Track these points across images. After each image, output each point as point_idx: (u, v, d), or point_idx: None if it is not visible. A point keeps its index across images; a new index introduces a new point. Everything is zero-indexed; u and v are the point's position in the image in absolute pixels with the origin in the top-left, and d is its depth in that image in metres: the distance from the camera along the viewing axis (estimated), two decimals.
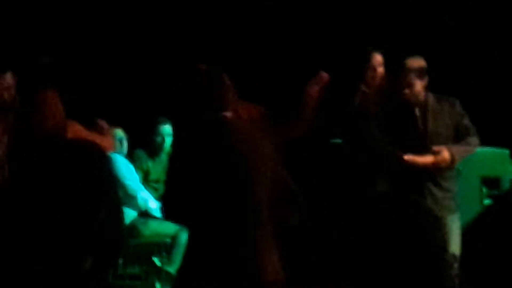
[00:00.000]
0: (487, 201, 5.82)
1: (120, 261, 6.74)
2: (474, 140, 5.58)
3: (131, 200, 6.95)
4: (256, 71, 9.31)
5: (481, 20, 9.06)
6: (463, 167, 5.61)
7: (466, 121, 5.62)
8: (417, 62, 5.70)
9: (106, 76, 9.43)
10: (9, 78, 5.39)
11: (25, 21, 9.33)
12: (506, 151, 6.03)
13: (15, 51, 9.03)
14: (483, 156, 5.85)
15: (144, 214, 7.19)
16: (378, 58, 6.05)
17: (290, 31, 9.42)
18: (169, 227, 6.93)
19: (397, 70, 5.61)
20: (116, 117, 7.44)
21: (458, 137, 5.56)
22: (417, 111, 5.62)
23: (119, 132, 7.09)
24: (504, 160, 5.90)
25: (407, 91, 5.57)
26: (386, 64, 5.98)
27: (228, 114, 4.58)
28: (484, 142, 5.82)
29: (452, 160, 5.41)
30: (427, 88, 5.70)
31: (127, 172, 6.95)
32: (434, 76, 8.19)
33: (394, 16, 9.32)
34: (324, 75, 4.66)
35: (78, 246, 4.42)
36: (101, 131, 5.08)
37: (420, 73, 5.65)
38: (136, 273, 7.03)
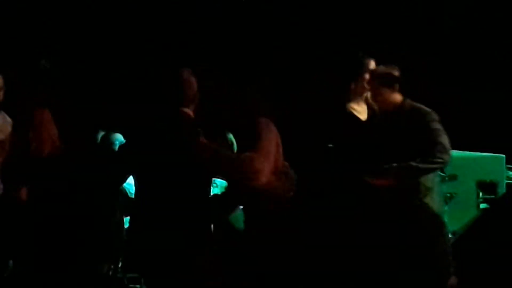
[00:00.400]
0: (483, 205, 5.89)
1: (120, 264, 6.54)
2: (435, 158, 5.25)
3: (131, 204, 6.86)
4: (256, 71, 9.31)
5: (481, 20, 9.06)
6: (460, 172, 5.69)
7: (433, 137, 5.33)
8: (385, 70, 5.51)
9: (106, 76, 9.44)
10: (0, 81, 5.40)
11: (25, 21, 9.34)
12: (502, 156, 6.06)
13: (15, 51, 9.04)
14: (480, 161, 5.96)
15: None
16: (372, 64, 5.67)
17: (290, 31, 9.42)
18: None
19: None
20: (116, 121, 7.47)
21: (419, 152, 5.29)
22: (380, 121, 5.47)
23: (120, 138, 6.99)
24: (500, 165, 5.97)
25: (371, 98, 5.45)
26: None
27: (187, 110, 4.58)
28: (480, 147, 5.98)
29: (396, 180, 5.18)
30: (404, 96, 5.50)
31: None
32: (433, 77, 8.21)
33: (394, 16, 9.33)
34: None
35: (97, 252, 4.57)
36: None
37: (388, 81, 5.45)
38: (135, 276, 7.02)
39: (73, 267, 4.47)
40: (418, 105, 5.46)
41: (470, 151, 6.06)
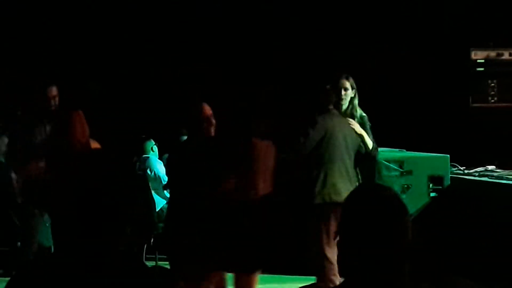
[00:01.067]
0: (433, 194, 7.27)
1: (152, 240, 7.65)
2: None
3: (161, 189, 8.27)
4: (256, 71, 9.33)
5: (480, 20, 9.07)
6: (415, 168, 7.24)
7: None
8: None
9: (106, 75, 9.46)
10: (55, 89, 6.57)
11: (25, 21, 9.36)
12: (447, 156, 7.41)
13: (15, 51, 9.06)
14: (430, 159, 7.42)
15: None
16: (345, 84, 6.46)
17: (290, 31, 9.44)
18: None
19: None
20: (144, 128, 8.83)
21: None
22: None
23: (152, 142, 8.74)
24: (446, 163, 7.38)
25: None
26: None
27: None
28: (429, 150, 7.56)
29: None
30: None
31: (159, 168, 8.45)
32: (433, 77, 8.21)
33: (394, 16, 9.34)
34: None
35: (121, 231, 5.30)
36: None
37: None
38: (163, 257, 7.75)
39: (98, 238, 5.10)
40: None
41: (423, 152, 7.60)
